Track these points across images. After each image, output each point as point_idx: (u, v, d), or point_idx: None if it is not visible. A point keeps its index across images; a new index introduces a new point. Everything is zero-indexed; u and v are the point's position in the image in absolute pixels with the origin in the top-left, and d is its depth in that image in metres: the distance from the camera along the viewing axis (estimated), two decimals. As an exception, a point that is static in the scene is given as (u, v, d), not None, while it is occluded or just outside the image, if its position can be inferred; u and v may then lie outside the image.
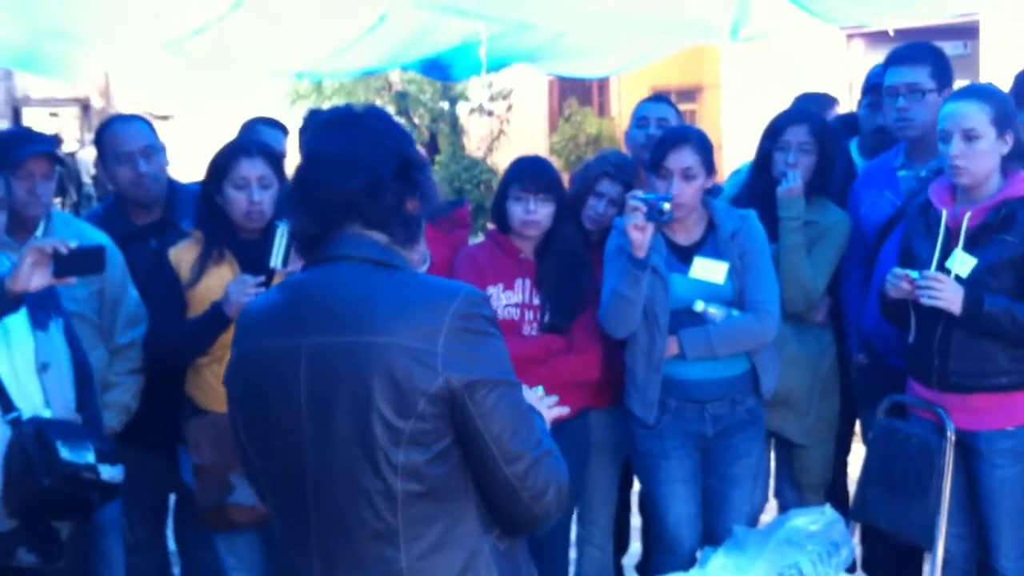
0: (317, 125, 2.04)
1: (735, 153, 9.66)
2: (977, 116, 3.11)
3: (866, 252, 3.68)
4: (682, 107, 15.89)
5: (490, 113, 13.68)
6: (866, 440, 3.68)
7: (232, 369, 1.99)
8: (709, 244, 3.47)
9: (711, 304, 3.37)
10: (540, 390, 2.18)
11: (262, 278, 3.25)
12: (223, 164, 3.39)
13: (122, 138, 3.75)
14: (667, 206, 3.25)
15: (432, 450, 1.83)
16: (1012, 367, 3.19)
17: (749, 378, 3.49)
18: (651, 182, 3.51)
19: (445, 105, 13.62)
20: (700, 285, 3.39)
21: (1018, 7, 7.12)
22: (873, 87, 4.14)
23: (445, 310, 1.84)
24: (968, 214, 3.15)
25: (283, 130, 4.71)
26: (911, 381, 3.38)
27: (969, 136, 3.11)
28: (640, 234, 3.25)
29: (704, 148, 3.43)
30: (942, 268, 3.16)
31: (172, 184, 3.88)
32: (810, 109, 4.08)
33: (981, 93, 3.20)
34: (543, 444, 1.90)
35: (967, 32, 9.21)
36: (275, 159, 3.47)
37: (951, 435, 3.19)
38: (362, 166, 1.90)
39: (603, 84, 15.49)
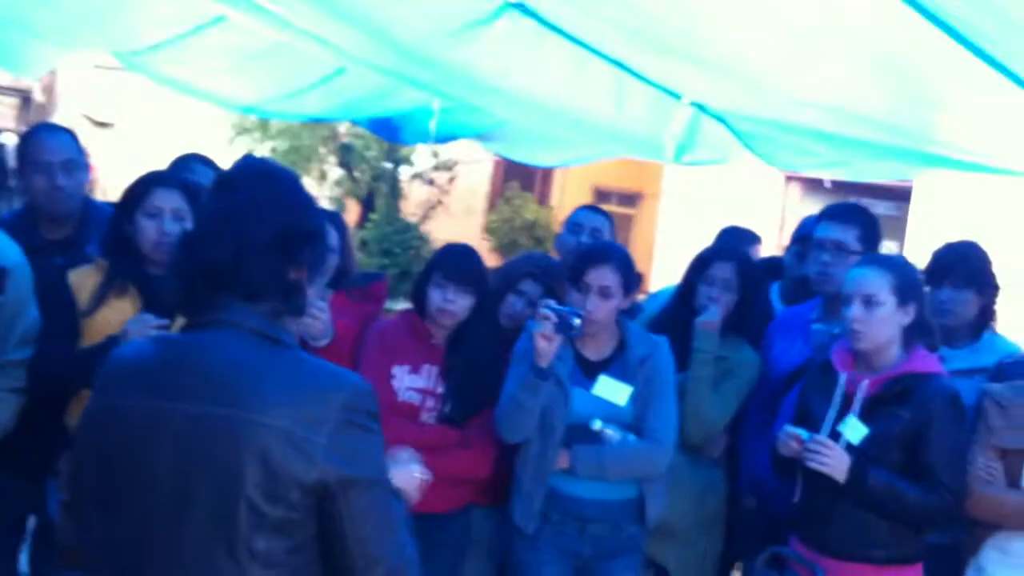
0: (212, 183, 1.97)
1: (665, 263, 9.79)
2: (878, 283, 3.16)
3: (770, 397, 3.71)
4: (621, 211, 16.14)
5: (431, 182, 13.71)
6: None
7: (89, 417, 1.89)
8: (617, 364, 3.46)
9: (609, 425, 3.34)
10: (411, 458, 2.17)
11: (166, 321, 3.16)
12: (138, 192, 3.30)
13: (45, 147, 3.65)
14: (577, 321, 3.22)
15: (294, 540, 1.77)
16: (891, 541, 3.19)
17: (635, 504, 3.46)
18: (570, 292, 3.50)
19: (388, 165, 13.62)
20: (601, 403, 3.36)
21: (950, 180, 7.37)
22: (802, 237, 4.23)
23: (333, 400, 1.78)
24: (865, 383, 3.18)
25: (217, 171, 4.64)
26: (792, 536, 3.37)
27: (869, 302, 3.16)
28: (546, 344, 3.22)
29: (625, 268, 3.43)
30: (834, 431, 3.17)
31: (89, 203, 3.77)
32: (738, 248, 4.13)
33: (885, 262, 3.26)
34: (405, 552, 1.84)
35: (900, 194, 9.51)
36: (192, 194, 3.39)
37: (826, 598, 3.18)
38: (230, 235, 1.82)
39: (547, 173, 15.66)
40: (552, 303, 3.26)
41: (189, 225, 3.29)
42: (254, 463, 1.73)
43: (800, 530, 3.33)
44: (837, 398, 3.21)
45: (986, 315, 3.72)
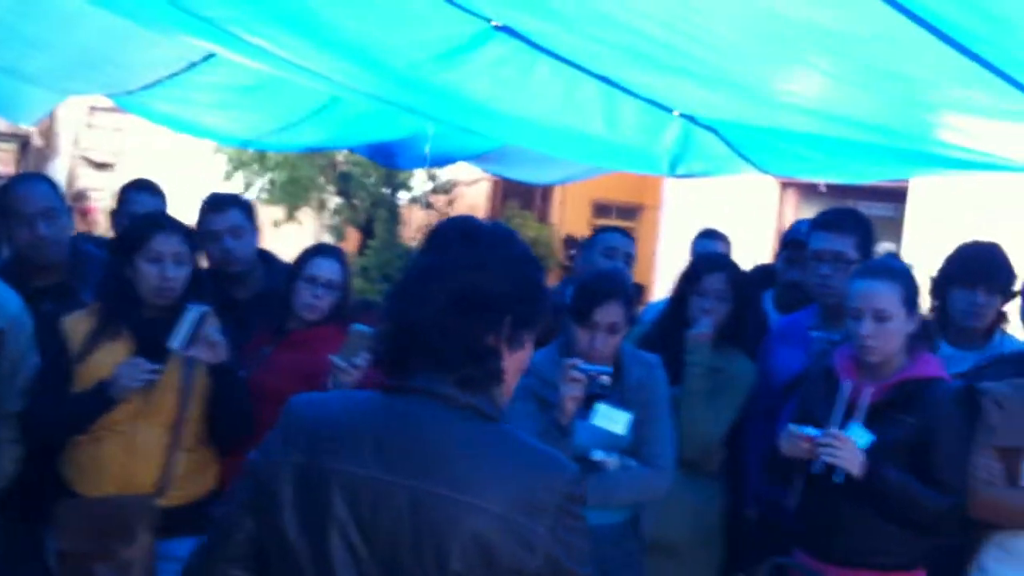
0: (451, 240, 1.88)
1: (667, 274, 9.77)
2: (889, 297, 3.15)
3: (771, 406, 3.70)
4: (622, 224, 16.17)
5: (429, 205, 13.73)
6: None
7: (297, 476, 1.77)
8: (614, 391, 3.39)
9: (610, 454, 3.31)
10: None
11: (160, 366, 3.16)
12: (137, 237, 3.29)
13: (23, 199, 3.66)
14: (605, 378, 3.17)
15: None
16: (897, 547, 3.19)
17: (631, 522, 3.45)
18: (569, 326, 3.40)
19: (386, 191, 13.62)
20: (600, 433, 3.31)
21: (945, 180, 7.38)
22: (792, 242, 4.24)
23: (552, 486, 1.73)
24: (870, 390, 3.16)
25: (159, 195, 4.61)
26: (796, 547, 3.35)
27: (881, 317, 3.14)
28: (574, 405, 3.17)
29: (629, 300, 3.40)
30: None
31: (77, 248, 3.78)
32: (728, 258, 4.13)
33: (893, 273, 3.22)
34: None
35: (896, 195, 9.49)
36: (190, 237, 3.40)
37: (830, 606, 3.15)
38: (423, 294, 1.79)
39: (546, 191, 15.65)
40: (580, 363, 3.20)
41: (189, 269, 3.31)
42: (468, 548, 1.68)
43: (803, 539, 3.32)
44: (840, 405, 3.18)
45: (1001, 317, 3.71)
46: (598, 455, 3.31)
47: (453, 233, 1.85)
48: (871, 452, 3.12)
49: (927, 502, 3.08)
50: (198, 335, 3.19)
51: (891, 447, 3.12)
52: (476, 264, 1.80)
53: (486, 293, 1.78)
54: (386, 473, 1.73)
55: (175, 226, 3.36)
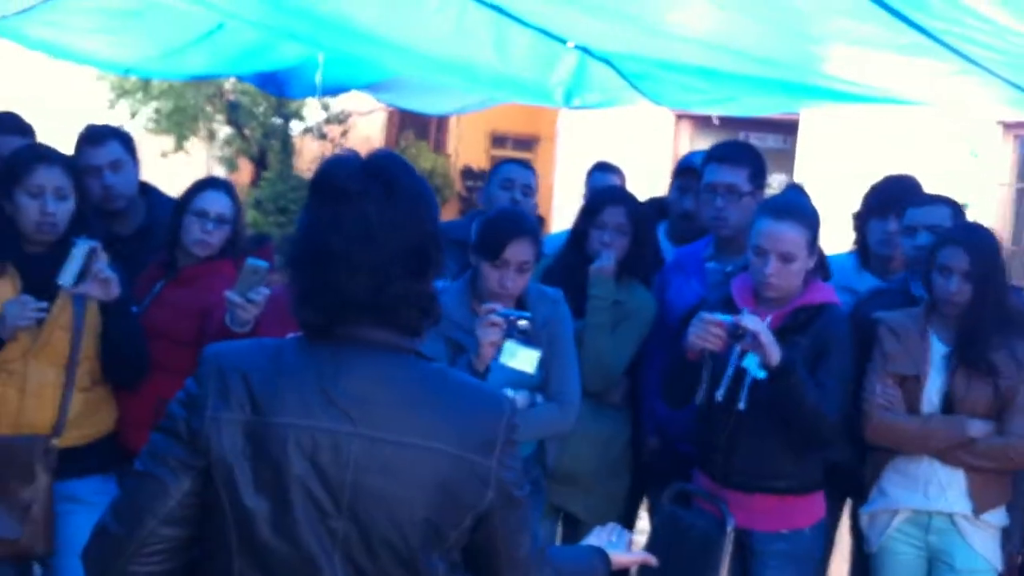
0: (344, 187, 1.79)
1: (564, 205, 9.82)
2: (796, 240, 3.19)
3: (668, 337, 3.74)
4: (519, 155, 16.15)
5: (324, 135, 13.49)
6: (653, 521, 3.73)
7: (246, 434, 1.71)
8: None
9: (519, 392, 3.29)
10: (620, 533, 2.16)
11: (44, 304, 3.05)
12: (17, 169, 3.16)
13: None
14: (524, 323, 3.11)
15: (454, 562, 1.78)
16: (793, 471, 3.27)
17: (536, 454, 3.47)
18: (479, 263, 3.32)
19: (279, 121, 13.33)
20: (509, 371, 3.23)
21: (833, 113, 7.51)
22: (684, 170, 4.27)
23: (499, 421, 1.78)
24: (769, 317, 3.20)
25: (28, 134, 4.28)
26: (697, 472, 3.43)
27: (786, 259, 3.19)
28: (493, 350, 3.12)
29: (537, 237, 3.35)
30: (739, 367, 3.20)
31: None
32: (627, 191, 4.14)
33: (799, 214, 3.24)
34: (545, 556, 1.89)
35: (787, 127, 9.64)
36: (75, 170, 3.28)
37: (730, 531, 3.22)
38: (372, 258, 1.74)
39: (442, 122, 15.52)
40: (499, 307, 3.14)
41: (72, 203, 3.18)
42: (433, 492, 1.71)
43: (703, 464, 3.39)
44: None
45: None
46: (508, 394, 3.28)
47: (367, 183, 1.75)
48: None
49: (815, 404, 3.12)
50: (87, 271, 3.09)
51: None
52: (414, 219, 1.76)
53: (427, 247, 1.78)
54: (340, 424, 1.70)
55: (56, 158, 3.24)
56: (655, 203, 4.51)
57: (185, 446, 1.72)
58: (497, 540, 1.79)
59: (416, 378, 1.76)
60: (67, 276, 3.08)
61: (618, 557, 2.10)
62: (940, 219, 3.69)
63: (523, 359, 3.21)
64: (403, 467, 1.70)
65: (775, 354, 3.05)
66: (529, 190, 4.27)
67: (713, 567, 3.23)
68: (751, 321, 3.06)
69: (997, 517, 3.42)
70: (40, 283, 3.13)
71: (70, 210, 3.22)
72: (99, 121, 4.27)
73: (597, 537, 2.14)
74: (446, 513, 1.73)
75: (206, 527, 1.74)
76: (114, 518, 1.75)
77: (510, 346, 3.17)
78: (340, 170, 1.78)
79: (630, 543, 2.18)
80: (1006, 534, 3.45)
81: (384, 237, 1.73)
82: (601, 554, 2.08)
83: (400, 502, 1.70)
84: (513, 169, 4.39)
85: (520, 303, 3.37)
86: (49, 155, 3.25)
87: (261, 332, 3.31)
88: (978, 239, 3.39)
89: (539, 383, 3.35)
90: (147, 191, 4.16)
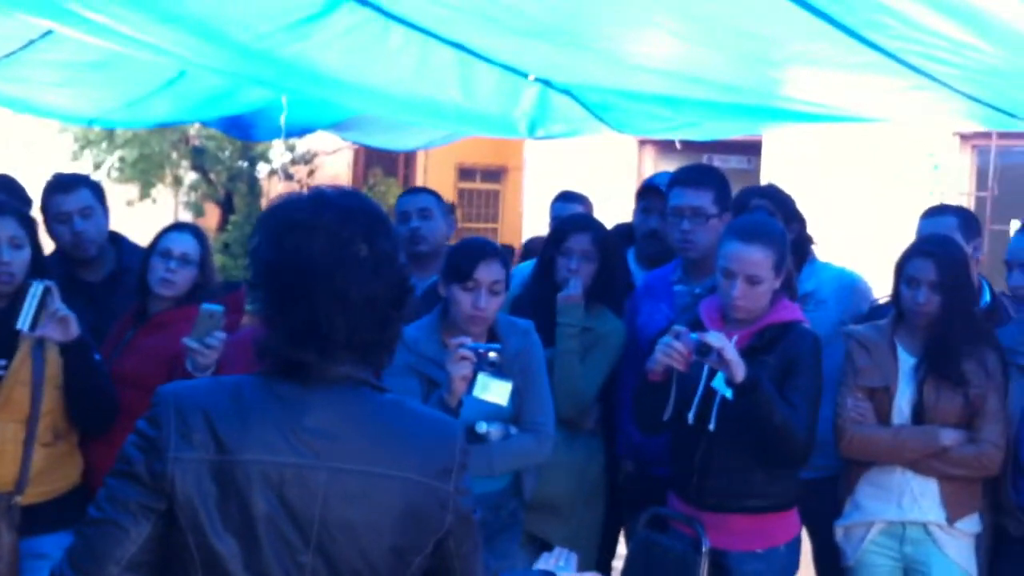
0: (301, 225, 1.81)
1: (534, 235, 9.87)
2: (762, 263, 3.22)
3: (640, 361, 3.76)
4: (487, 187, 16.09)
5: (290, 176, 13.48)
6: (629, 547, 3.74)
7: (212, 474, 1.70)
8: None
9: (492, 424, 3.30)
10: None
11: (2, 361, 3.06)
12: None
13: None
14: (493, 355, 3.08)
15: None
16: (767, 489, 3.29)
17: (513, 485, 3.47)
18: (449, 287, 3.33)
19: (244, 164, 13.31)
20: (483, 404, 3.22)
21: (796, 132, 7.60)
22: (646, 190, 4.32)
23: (454, 447, 1.83)
24: (735, 337, 3.24)
25: (24, 200, 4.36)
26: (671, 495, 3.44)
27: (753, 281, 3.22)
28: (464, 385, 3.09)
29: (507, 262, 3.36)
30: (708, 386, 3.23)
31: None
32: (592, 217, 4.18)
33: (766, 237, 3.26)
34: (489, 565, 1.93)
35: (750, 148, 9.74)
36: (28, 221, 3.29)
37: (706, 551, 3.24)
38: (352, 304, 1.77)
39: (410, 156, 15.55)
40: (468, 341, 3.11)
41: (27, 253, 3.19)
42: (400, 519, 1.75)
43: (677, 486, 3.40)
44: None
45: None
46: (482, 427, 3.28)
47: (349, 221, 1.78)
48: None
49: (784, 419, 3.12)
50: (44, 312, 3.08)
51: None
52: (384, 258, 1.78)
53: (398, 283, 1.81)
54: (306, 458, 1.72)
55: (8, 209, 3.26)
56: (623, 229, 4.55)
57: (145, 489, 1.70)
58: (454, 563, 1.83)
59: (375, 410, 1.80)
60: (24, 319, 3.06)
61: None
62: (947, 228, 3.77)
63: (495, 391, 3.19)
64: (369, 496, 1.73)
65: (740, 371, 3.06)
66: (426, 212, 4.23)
67: (691, 589, 3.25)
68: (715, 338, 3.08)
69: (970, 524, 3.46)
70: None
71: (26, 260, 3.22)
72: (64, 170, 4.30)
73: (545, 562, 2.17)
74: (411, 539, 1.76)
75: (170, 571, 1.73)
76: (71, 567, 1.71)
77: (482, 379, 3.16)
78: (321, 208, 1.79)
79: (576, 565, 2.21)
80: (979, 540, 3.49)
81: (374, 274, 1.76)
82: None
83: (367, 531, 1.73)
84: (404, 201, 4.35)
85: (492, 335, 3.38)
86: (1, 206, 3.27)
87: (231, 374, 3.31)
88: (945, 251, 3.45)
89: (512, 415, 3.35)
90: (116, 239, 4.18)
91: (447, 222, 4.41)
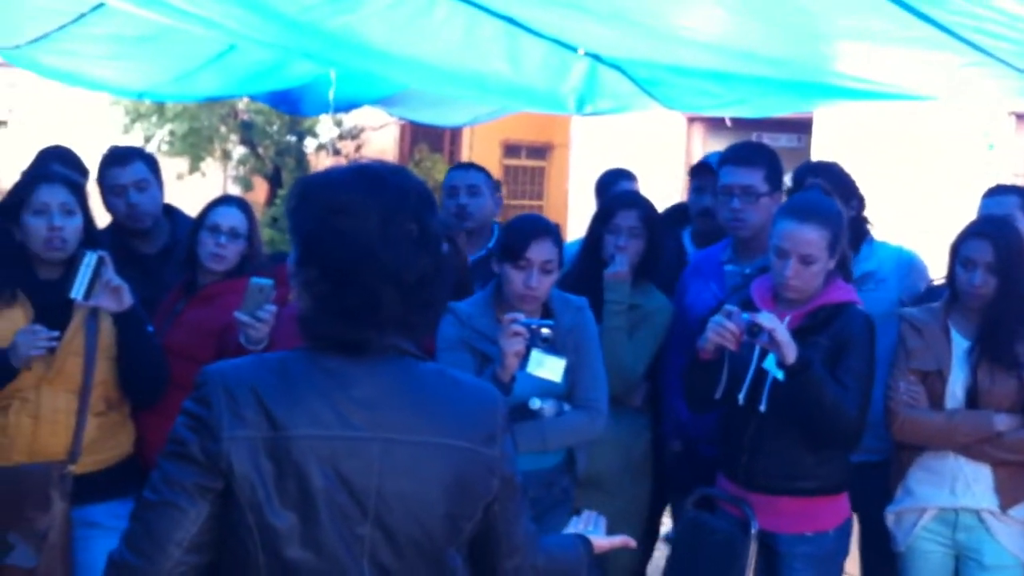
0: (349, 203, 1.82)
1: (580, 213, 9.83)
2: (817, 242, 3.17)
3: (688, 340, 3.73)
4: (533, 164, 16.08)
5: (337, 151, 13.53)
6: (676, 527, 3.72)
7: (267, 452, 1.70)
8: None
9: (546, 401, 3.29)
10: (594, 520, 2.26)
11: (55, 333, 3.07)
12: (21, 193, 3.20)
13: None
14: (547, 331, 3.07)
15: (463, 557, 1.85)
16: (817, 472, 3.26)
17: (565, 462, 3.47)
18: (502, 267, 3.32)
19: (292, 139, 13.38)
20: (536, 380, 3.22)
21: (847, 110, 7.50)
22: (699, 167, 4.27)
23: (497, 413, 1.85)
24: (787, 318, 3.19)
25: (81, 171, 4.40)
26: (719, 475, 3.42)
27: (806, 261, 3.17)
28: (517, 360, 3.08)
29: (559, 241, 3.35)
30: (760, 367, 3.20)
31: None
32: (639, 194, 4.14)
33: (821, 215, 3.21)
34: (537, 542, 1.96)
35: (801, 126, 9.62)
36: (78, 188, 3.30)
37: (755, 533, 3.22)
38: (392, 273, 1.79)
39: (455, 132, 15.56)
40: (521, 317, 3.11)
41: (79, 220, 3.20)
42: (451, 487, 1.77)
43: (726, 467, 3.37)
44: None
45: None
46: (535, 403, 3.28)
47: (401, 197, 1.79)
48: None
49: (835, 399, 3.09)
50: (97, 282, 3.10)
51: None
52: (431, 235, 1.80)
53: (443, 259, 1.83)
54: (357, 431, 1.73)
55: (58, 177, 3.28)
56: (677, 209, 4.51)
57: (201, 469, 1.70)
58: (499, 527, 1.86)
59: (419, 379, 1.81)
60: (78, 289, 3.09)
61: (598, 541, 2.18)
62: (1009, 208, 3.74)
63: (549, 368, 3.19)
64: (422, 466, 1.75)
65: (791, 352, 3.03)
66: (475, 189, 4.26)
67: (738, 570, 3.23)
68: (767, 319, 3.05)
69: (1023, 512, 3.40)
70: (52, 309, 3.15)
71: (78, 227, 3.23)
72: (116, 143, 4.33)
73: (574, 526, 2.24)
74: (464, 506, 1.79)
75: (227, 549, 1.73)
76: (132, 551, 1.70)
77: (536, 355, 3.15)
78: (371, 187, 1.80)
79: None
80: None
81: (424, 251, 1.78)
82: (583, 539, 2.16)
83: (423, 501, 1.75)
84: (454, 175, 4.38)
85: (546, 311, 3.37)
86: (50, 175, 3.30)
87: (277, 349, 3.33)
88: (1002, 232, 3.38)
89: (566, 391, 3.34)
90: (171, 212, 4.22)
91: (494, 200, 4.41)
